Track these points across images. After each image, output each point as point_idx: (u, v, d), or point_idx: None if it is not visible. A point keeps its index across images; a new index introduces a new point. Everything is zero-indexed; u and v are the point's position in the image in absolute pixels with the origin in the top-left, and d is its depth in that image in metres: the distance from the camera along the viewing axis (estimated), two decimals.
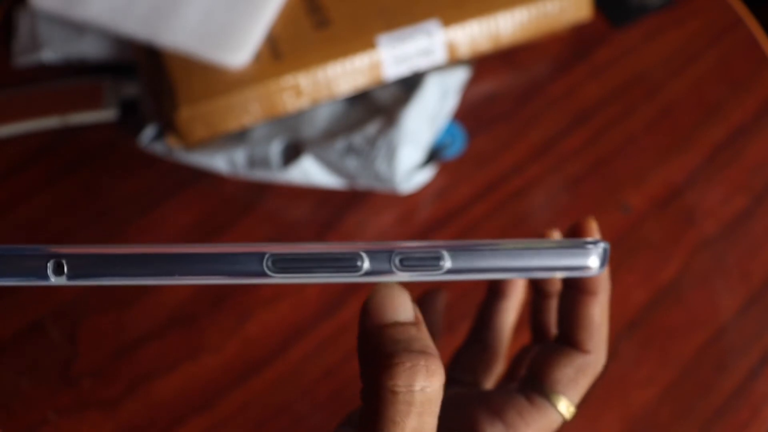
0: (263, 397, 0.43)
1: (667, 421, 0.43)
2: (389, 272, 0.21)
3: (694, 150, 0.52)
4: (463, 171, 0.51)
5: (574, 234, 0.27)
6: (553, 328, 0.30)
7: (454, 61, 0.51)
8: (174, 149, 0.49)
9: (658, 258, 0.47)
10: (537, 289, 0.31)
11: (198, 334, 0.45)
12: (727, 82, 0.55)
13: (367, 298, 0.21)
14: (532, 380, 0.27)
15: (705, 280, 0.47)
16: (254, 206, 0.50)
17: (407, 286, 0.22)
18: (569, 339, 0.27)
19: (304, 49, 0.48)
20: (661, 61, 0.56)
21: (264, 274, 0.20)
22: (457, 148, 0.51)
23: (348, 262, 0.20)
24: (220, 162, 0.49)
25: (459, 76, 0.51)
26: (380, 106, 0.50)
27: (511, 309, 0.31)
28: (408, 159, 0.47)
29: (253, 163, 0.49)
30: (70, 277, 0.20)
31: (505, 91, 0.55)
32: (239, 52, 0.47)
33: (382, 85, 0.51)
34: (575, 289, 0.27)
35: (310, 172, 0.48)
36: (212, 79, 0.47)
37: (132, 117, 0.53)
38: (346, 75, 0.48)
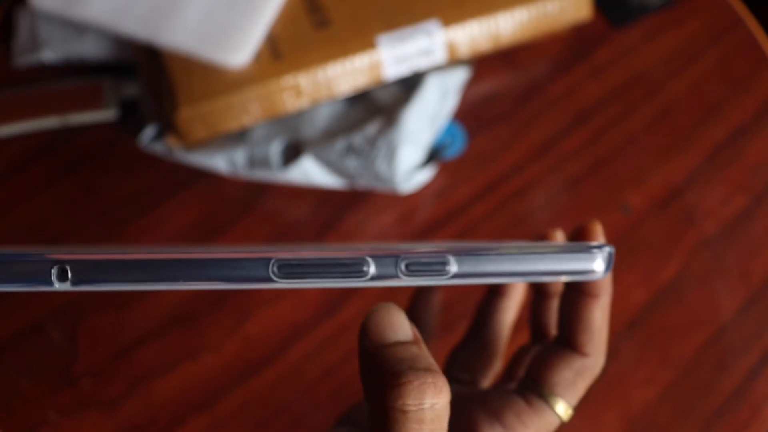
0: (263, 397, 0.43)
1: (667, 421, 0.43)
2: (395, 277, 0.21)
3: (694, 150, 0.52)
4: (463, 171, 0.51)
5: (579, 236, 0.27)
6: (552, 329, 0.30)
7: (454, 61, 0.51)
8: (174, 149, 0.49)
9: (658, 258, 0.47)
10: (537, 289, 0.31)
11: (198, 333, 0.45)
12: (727, 82, 0.55)
13: (365, 319, 0.21)
14: (530, 382, 0.27)
15: (705, 280, 0.47)
16: (254, 206, 0.50)
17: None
18: (569, 341, 0.27)
19: (304, 49, 0.48)
20: (661, 61, 0.56)
21: (270, 280, 0.20)
22: (457, 148, 0.51)
23: (354, 268, 0.20)
24: (220, 162, 0.49)
25: (459, 76, 0.51)
26: (380, 106, 0.50)
27: (511, 308, 0.31)
28: (408, 159, 0.47)
29: (253, 163, 0.49)
30: (74, 283, 0.20)
31: (505, 91, 0.55)
32: (239, 52, 0.47)
33: (382, 85, 0.51)
34: (577, 291, 0.27)
35: (310, 172, 0.48)
36: (212, 79, 0.47)
37: (132, 117, 0.53)
38: (346, 75, 0.48)
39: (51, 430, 0.42)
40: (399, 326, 0.21)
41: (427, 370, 0.20)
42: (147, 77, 0.51)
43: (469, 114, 0.53)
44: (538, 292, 0.31)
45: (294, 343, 0.45)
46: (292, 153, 0.49)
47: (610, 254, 0.22)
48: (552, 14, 0.51)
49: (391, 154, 0.47)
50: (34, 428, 0.42)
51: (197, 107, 0.47)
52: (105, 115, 0.53)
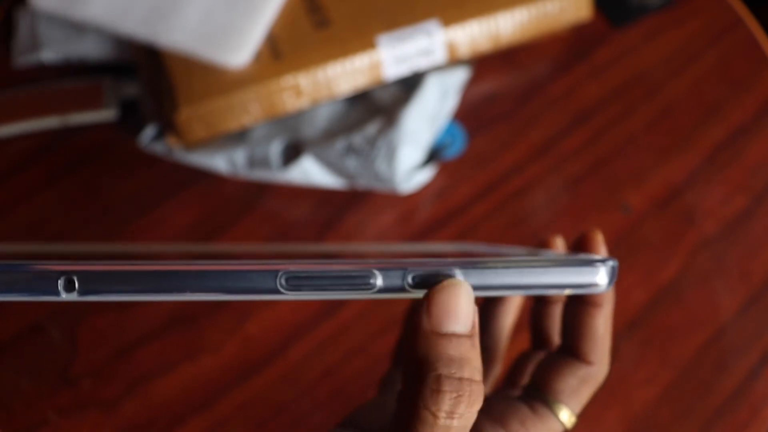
0: (263, 397, 0.43)
1: (667, 421, 0.43)
2: (402, 290, 0.21)
3: (694, 150, 0.52)
4: (463, 171, 0.51)
5: (580, 246, 0.27)
6: (553, 335, 0.30)
7: (454, 61, 0.51)
8: (174, 149, 0.49)
9: (658, 258, 0.47)
10: (538, 296, 0.31)
11: (198, 334, 0.45)
12: (727, 82, 0.55)
13: (432, 293, 0.20)
14: (534, 389, 0.27)
15: (705, 280, 0.47)
16: (254, 206, 0.50)
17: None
18: (573, 349, 0.27)
19: (304, 49, 0.48)
20: (661, 61, 0.56)
21: (277, 292, 0.20)
22: (457, 148, 0.51)
23: (361, 280, 0.21)
24: (220, 162, 0.49)
25: (459, 76, 0.51)
26: (380, 106, 0.50)
27: (510, 312, 0.32)
28: (408, 159, 0.47)
29: (253, 163, 0.49)
30: (81, 294, 0.20)
31: (505, 91, 0.55)
32: (239, 52, 0.47)
33: (382, 85, 0.51)
34: (580, 300, 0.27)
35: (310, 172, 0.48)
36: (212, 79, 0.47)
37: (132, 117, 0.53)
38: (346, 75, 0.48)
39: (50, 430, 0.42)
40: (462, 315, 0.20)
41: (470, 380, 0.20)
42: (147, 77, 0.51)
43: (469, 114, 0.53)
44: (538, 299, 0.31)
45: (294, 343, 0.45)
46: (292, 153, 0.49)
47: (613, 268, 0.22)
48: (552, 14, 0.51)
49: (391, 154, 0.47)
50: (34, 428, 0.42)
51: (197, 107, 0.47)
52: (105, 115, 0.53)
